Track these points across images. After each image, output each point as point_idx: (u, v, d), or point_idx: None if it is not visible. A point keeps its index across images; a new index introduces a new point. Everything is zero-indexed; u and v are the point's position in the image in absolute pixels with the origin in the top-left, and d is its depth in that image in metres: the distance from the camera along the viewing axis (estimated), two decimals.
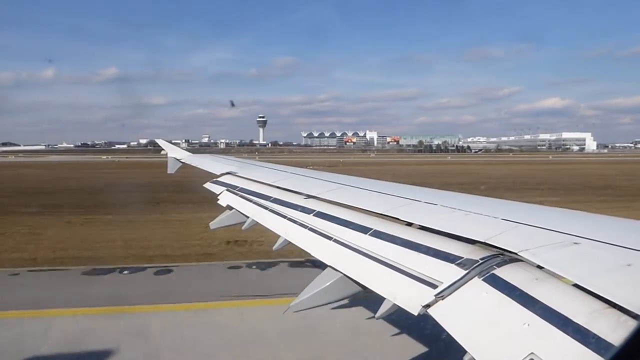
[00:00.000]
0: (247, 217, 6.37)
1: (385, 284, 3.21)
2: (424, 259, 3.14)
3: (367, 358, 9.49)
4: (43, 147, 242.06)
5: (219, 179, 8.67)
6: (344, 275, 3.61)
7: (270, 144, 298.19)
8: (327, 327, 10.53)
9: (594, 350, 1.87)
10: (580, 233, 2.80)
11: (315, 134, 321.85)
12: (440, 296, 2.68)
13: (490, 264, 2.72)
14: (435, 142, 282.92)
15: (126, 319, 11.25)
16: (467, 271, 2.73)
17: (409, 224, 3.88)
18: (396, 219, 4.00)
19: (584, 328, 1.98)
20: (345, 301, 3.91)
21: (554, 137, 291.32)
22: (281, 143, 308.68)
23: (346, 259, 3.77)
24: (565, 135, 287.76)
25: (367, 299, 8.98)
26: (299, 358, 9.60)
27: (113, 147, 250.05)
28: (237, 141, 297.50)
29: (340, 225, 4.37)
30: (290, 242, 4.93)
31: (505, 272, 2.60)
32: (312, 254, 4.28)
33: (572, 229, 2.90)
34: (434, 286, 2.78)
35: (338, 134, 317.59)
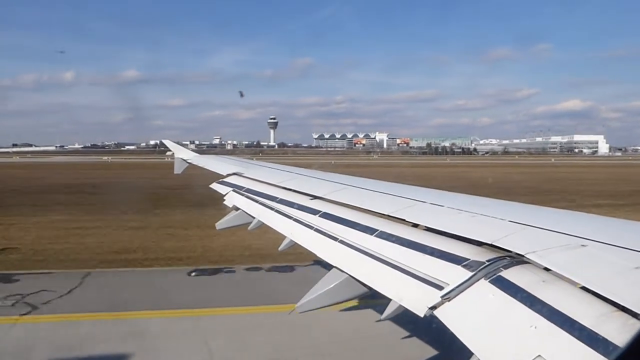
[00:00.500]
0: (253, 217, 6.39)
1: (391, 285, 3.20)
2: (430, 261, 3.13)
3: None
4: (54, 148, 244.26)
5: (225, 180, 8.70)
6: (350, 276, 3.61)
7: (277, 146, 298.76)
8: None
9: (601, 353, 1.85)
10: (588, 235, 2.78)
11: (327, 136, 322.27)
12: (446, 298, 2.67)
13: (497, 265, 2.71)
14: (443, 144, 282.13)
15: None
16: (473, 273, 2.72)
17: (415, 225, 3.87)
18: (402, 220, 3.99)
19: (592, 331, 1.97)
20: (351, 302, 3.91)
21: (565, 140, 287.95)
22: (290, 144, 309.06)
23: (352, 260, 3.77)
24: (577, 137, 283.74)
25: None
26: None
27: (122, 148, 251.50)
28: (244, 143, 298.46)
29: (346, 226, 4.36)
30: (295, 243, 4.93)
31: (512, 274, 2.58)
32: (318, 254, 4.28)
33: (580, 231, 2.88)
34: (440, 288, 2.77)
35: (349, 136, 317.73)
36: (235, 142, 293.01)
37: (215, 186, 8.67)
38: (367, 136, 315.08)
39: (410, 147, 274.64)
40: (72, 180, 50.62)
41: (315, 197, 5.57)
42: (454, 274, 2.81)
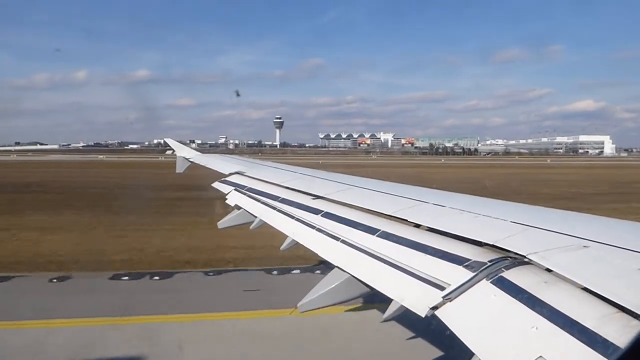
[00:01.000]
0: (255, 216, 6.39)
1: (392, 285, 3.21)
2: (431, 261, 3.13)
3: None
4: (57, 147, 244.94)
5: (227, 179, 8.71)
6: (352, 276, 3.61)
7: (278, 145, 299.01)
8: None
9: (602, 354, 1.86)
10: (590, 236, 2.78)
11: (333, 136, 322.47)
12: (447, 298, 2.67)
13: (499, 266, 2.71)
14: (447, 144, 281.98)
15: None
16: (475, 273, 2.72)
17: (417, 226, 3.87)
18: (404, 221, 3.99)
19: (593, 332, 1.97)
20: (353, 302, 3.91)
21: (571, 140, 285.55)
22: (295, 144, 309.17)
23: (354, 259, 3.77)
24: (582, 138, 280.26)
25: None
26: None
27: (126, 147, 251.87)
28: (245, 142, 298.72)
29: (348, 226, 4.37)
30: (297, 243, 4.94)
31: (514, 275, 2.58)
32: (320, 254, 4.28)
33: (582, 232, 2.88)
34: (442, 288, 2.77)
35: (355, 136, 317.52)
36: (237, 142, 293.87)
37: (217, 185, 8.68)
38: (372, 136, 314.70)
39: (416, 148, 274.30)
40: (14, 179, 49.53)
41: (317, 197, 5.58)
42: (456, 275, 2.81)
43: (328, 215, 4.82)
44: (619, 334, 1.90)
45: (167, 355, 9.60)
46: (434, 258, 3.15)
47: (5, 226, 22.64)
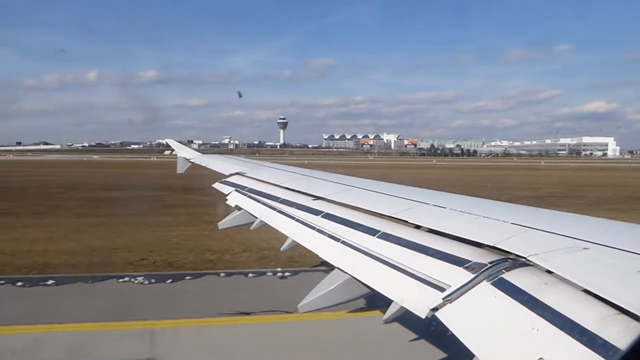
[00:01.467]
0: (256, 217, 6.40)
1: (393, 286, 3.21)
2: (432, 262, 3.13)
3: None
4: (58, 147, 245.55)
5: (227, 180, 8.72)
6: (352, 277, 3.62)
7: (278, 146, 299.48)
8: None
9: (603, 356, 1.85)
10: (590, 238, 2.78)
11: (337, 136, 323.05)
12: (448, 299, 2.67)
13: (499, 268, 2.71)
14: (448, 145, 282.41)
15: None
16: (475, 275, 2.72)
17: (418, 227, 3.87)
18: (404, 222, 3.99)
19: (594, 334, 1.97)
20: (353, 303, 3.91)
21: (574, 142, 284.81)
22: (297, 145, 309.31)
23: (354, 260, 3.77)
24: (586, 139, 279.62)
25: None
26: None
27: (128, 147, 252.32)
28: (245, 142, 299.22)
29: (348, 227, 4.37)
30: (298, 244, 4.94)
31: (514, 277, 2.58)
32: (320, 255, 4.28)
33: (582, 234, 2.88)
34: (442, 289, 2.77)
35: (360, 137, 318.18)
36: (237, 142, 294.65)
37: (217, 186, 8.69)
38: (377, 137, 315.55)
39: (419, 149, 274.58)
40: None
41: (317, 198, 5.58)
42: (456, 276, 2.81)
43: (328, 216, 4.83)
44: (620, 335, 1.90)
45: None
46: (434, 259, 3.15)
47: None
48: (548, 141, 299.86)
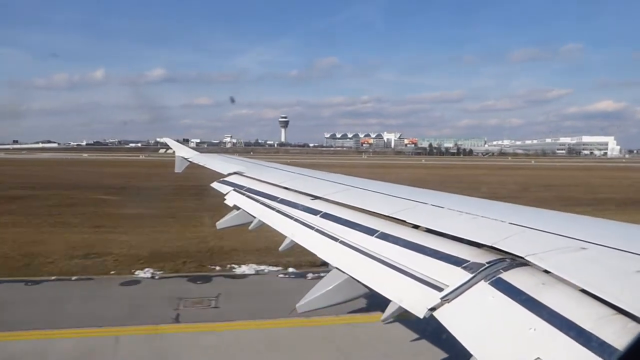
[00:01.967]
0: (254, 217, 6.40)
1: (391, 286, 3.21)
2: (430, 262, 3.14)
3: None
4: (56, 145, 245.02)
5: (226, 179, 8.71)
6: (350, 277, 3.62)
7: (276, 144, 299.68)
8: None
9: (600, 356, 1.86)
10: (588, 238, 2.78)
11: (338, 135, 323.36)
12: (446, 299, 2.68)
13: (497, 267, 2.71)
14: (446, 145, 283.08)
15: None
16: (473, 274, 2.73)
17: (416, 227, 3.88)
18: (403, 222, 3.99)
19: (591, 334, 1.97)
20: (351, 303, 3.92)
21: (574, 141, 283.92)
22: (295, 144, 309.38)
23: (352, 260, 3.77)
24: (586, 139, 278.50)
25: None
26: None
27: (126, 146, 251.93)
28: (242, 141, 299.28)
29: (347, 226, 4.37)
30: (296, 243, 4.94)
31: (512, 276, 2.59)
32: (318, 255, 4.29)
33: (580, 234, 2.89)
34: (440, 289, 2.78)
35: (362, 136, 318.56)
36: (234, 141, 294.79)
37: (216, 185, 8.68)
38: (379, 136, 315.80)
39: (420, 148, 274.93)
40: None
41: (316, 198, 5.58)
42: (454, 276, 2.82)
43: (327, 216, 4.83)
44: (617, 335, 1.90)
45: None
46: (432, 259, 3.15)
47: None
48: (548, 140, 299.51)
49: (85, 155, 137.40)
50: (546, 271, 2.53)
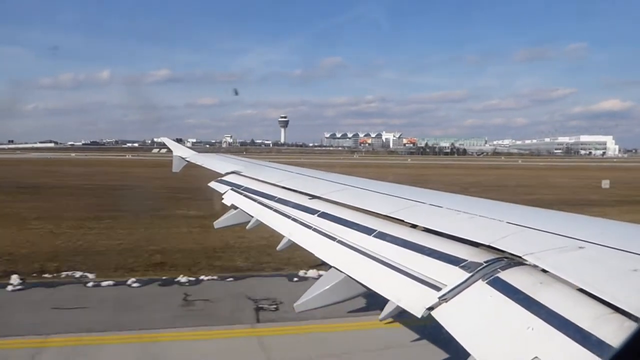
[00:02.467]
0: (252, 216, 6.39)
1: (389, 285, 3.21)
2: (428, 261, 3.14)
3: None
4: (52, 145, 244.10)
5: (223, 178, 8.71)
6: (348, 276, 3.62)
7: (271, 144, 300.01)
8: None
9: (598, 355, 1.86)
10: (586, 237, 2.79)
11: (338, 135, 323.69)
12: (443, 299, 2.68)
13: (495, 267, 2.72)
14: (443, 144, 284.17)
15: None
16: (471, 274, 2.73)
17: (414, 226, 3.88)
18: (401, 221, 4.00)
19: (589, 333, 1.98)
20: (349, 302, 3.92)
21: (572, 141, 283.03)
22: (293, 143, 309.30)
23: (350, 260, 3.77)
24: (584, 138, 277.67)
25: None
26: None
27: (124, 146, 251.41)
28: (237, 141, 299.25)
29: (345, 226, 4.37)
30: (294, 243, 4.94)
31: (510, 276, 2.59)
32: (316, 254, 4.28)
33: (578, 233, 2.89)
34: (438, 288, 2.78)
35: (361, 135, 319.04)
36: (230, 140, 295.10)
37: (213, 185, 8.67)
38: (378, 136, 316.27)
39: (418, 148, 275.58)
40: None
41: (314, 197, 5.58)
42: (452, 275, 2.82)
43: (324, 215, 4.82)
44: (614, 334, 1.91)
45: None
46: (430, 258, 3.16)
47: None
48: (547, 140, 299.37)
49: (73, 154, 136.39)
50: (544, 270, 2.53)
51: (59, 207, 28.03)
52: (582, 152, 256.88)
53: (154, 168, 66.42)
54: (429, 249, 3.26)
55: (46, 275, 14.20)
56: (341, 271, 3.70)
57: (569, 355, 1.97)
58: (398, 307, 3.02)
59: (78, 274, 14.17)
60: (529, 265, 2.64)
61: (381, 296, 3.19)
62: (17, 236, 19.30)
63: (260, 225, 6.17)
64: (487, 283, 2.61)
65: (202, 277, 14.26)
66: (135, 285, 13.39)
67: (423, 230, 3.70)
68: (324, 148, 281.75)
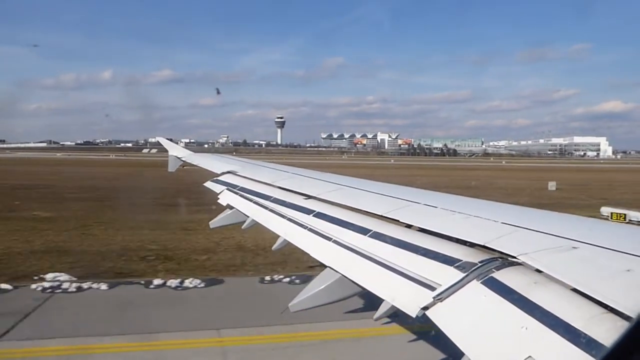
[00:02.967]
0: (247, 216, 6.38)
1: (383, 285, 3.21)
2: (422, 261, 3.15)
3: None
4: (44, 145, 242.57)
5: (219, 178, 8.69)
6: (343, 276, 3.62)
7: (263, 145, 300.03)
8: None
9: (591, 355, 1.87)
10: (580, 237, 2.80)
11: (335, 136, 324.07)
12: (438, 298, 2.68)
13: (489, 267, 2.72)
14: (436, 145, 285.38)
15: None
16: (465, 274, 2.74)
17: (409, 226, 3.88)
18: (396, 221, 4.00)
19: (582, 332, 1.99)
20: (345, 302, 3.92)
21: (566, 142, 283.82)
22: (294, 144, 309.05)
23: (345, 260, 3.77)
24: (577, 139, 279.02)
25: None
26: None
27: (118, 145, 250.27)
28: (231, 141, 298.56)
29: (340, 226, 4.37)
30: (289, 243, 4.93)
31: (504, 276, 2.60)
32: (312, 254, 4.28)
33: (572, 233, 2.91)
34: (433, 288, 2.78)
35: (358, 136, 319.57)
36: (221, 141, 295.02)
37: (209, 184, 8.65)
38: (375, 137, 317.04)
39: (414, 148, 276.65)
40: None
41: (309, 197, 5.57)
42: (447, 275, 2.83)
43: (320, 215, 4.82)
44: (607, 334, 1.92)
45: None
46: (425, 258, 3.16)
47: None
48: (541, 141, 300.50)
49: (58, 154, 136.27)
50: (538, 270, 2.54)
51: None
52: (577, 153, 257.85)
53: (117, 168, 69.35)
54: (424, 249, 3.27)
55: None
56: (336, 271, 3.70)
57: (562, 355, 1.98)
58: (393, 306, 3.02)
59: None
60: (524, 265, 2.65)
61: (376, 296, 3.20)
62: None
63: (255, 225, 6.17)
64: (481, 283, 2.62)
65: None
66: None
67: (418, 230, 3.71)
68: (316, 149, 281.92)
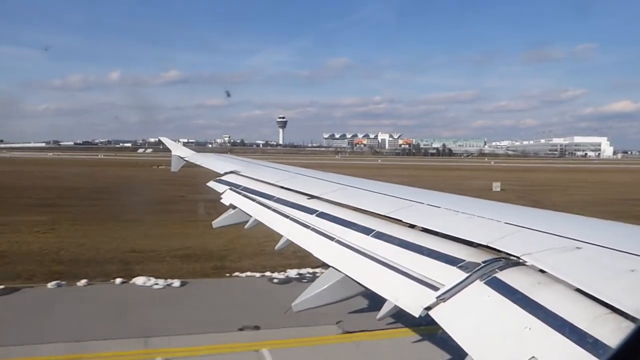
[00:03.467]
0: (250, 216, 6.39)
1: (387, 285, 3.22)
2: (426, 261, 3.15)
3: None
4: (43, 144, 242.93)
5: (222, 178, 8.70)
6: (346, 276, 3.62)
7: (261, 145, 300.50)
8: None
9: (595, 355, 1.87)
10: (583, 238, 2.80)
11: (337, 136, 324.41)
12: (441, 298, 2.68)
13: (493, 267, 2.72)
14: (435, 145, 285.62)
15: None
16: (469, 274, 2.73)
17: (412, 226, 3.88)
18: (399, 221, 4.00)
19: (586, 333, 1.98)
20: (347, 302, 3.92)
21: (567, 142, 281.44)
22: (295, 144, 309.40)
23: (348, 259, 3.78)
24: (578, 139, 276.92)
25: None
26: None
27: (117, 145, 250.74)
28: (230, 141, 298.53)
29: (343, 226, 4.37)
30: (292, 242, 4.94)
31: (508, 276, 2.60)
32: (315, 254, 4.29)
33: (575, 233, 2.90)
34: (436, 288, 2.78)
35: (360, 136, 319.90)
36: (220, 141, 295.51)
37: (212, 184, 8.66)
38: (376, 136, 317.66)
39: (413, 148, 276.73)
40: None
41: (312, 197, 5.57)
42: (450, 275, 2.82)
43: (323, 215, 4.83)
44: (612, 335, 1.91)
45: None
46: (428, 258, 3.16)
47: None
48: (542, 141, 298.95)
49: (50, 154, 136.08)
50: (542, 271, 2.54)
51: None
52: (579, 153, 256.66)
53: (93, 167, 69.76)
54: (427, 249, 3.26)
55: None
56: (339, 271, 3.70)
57: (566, 356, 1.98)
58: (396, 306, 3.02)
59: None
60: (527, 265, 2.65)
61: (379, 296, 3.20)
62: None
63: (258, 225, 6.17)
64: (484, 283, 2.62)
65: None
66: None
67: (421, 230, 3.71)
68: (317, 149, 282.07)
